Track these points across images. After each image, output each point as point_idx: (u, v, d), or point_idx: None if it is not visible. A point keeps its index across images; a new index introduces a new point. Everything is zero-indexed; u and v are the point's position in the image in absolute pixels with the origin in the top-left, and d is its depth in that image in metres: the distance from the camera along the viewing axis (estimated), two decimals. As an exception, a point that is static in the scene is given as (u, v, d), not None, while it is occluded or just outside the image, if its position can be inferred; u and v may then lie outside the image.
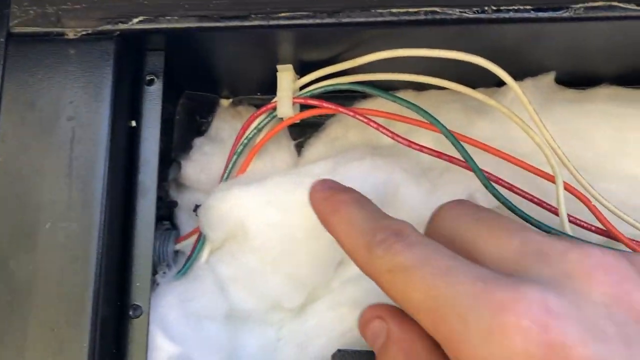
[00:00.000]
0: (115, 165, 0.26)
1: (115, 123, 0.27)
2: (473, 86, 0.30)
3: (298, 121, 0.31)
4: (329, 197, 0.22)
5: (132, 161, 0.28)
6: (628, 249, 0.27)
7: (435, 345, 0.18)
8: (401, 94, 0.33)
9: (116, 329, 0.26)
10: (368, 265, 0.19)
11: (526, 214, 0.27)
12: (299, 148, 0.35)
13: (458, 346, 0.16)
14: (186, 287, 0.29)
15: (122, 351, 0.26)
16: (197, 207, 0.33)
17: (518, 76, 0.31)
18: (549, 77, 0.32)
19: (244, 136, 0.32)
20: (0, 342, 0.24)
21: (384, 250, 0.19)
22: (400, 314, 0.20)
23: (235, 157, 0.32)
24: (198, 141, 0.34)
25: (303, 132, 0.36)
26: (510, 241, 0.18)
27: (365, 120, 0.30)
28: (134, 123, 0.28)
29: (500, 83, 0.32)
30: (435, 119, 0.29)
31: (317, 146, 0.34)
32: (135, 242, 0.27)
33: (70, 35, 0.27)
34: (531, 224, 0.27)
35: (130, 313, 0.27)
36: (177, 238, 0.32)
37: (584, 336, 0.14)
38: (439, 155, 0.29)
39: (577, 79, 0.33)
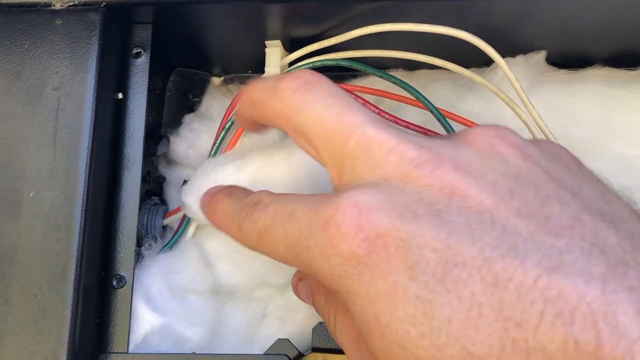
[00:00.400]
0: (100, 136, 0.26)
1: (101, 94, 0.27)
2: (465, 66, 0.30)
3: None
4: (209, 202, 0.24)
5: (118, 133, 0.28)
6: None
7: None
8: (392, 72, 0.33)
9: (99, 298, 0.27)
10: (246, 242, 0.21)
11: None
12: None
13: (313, 273, 0.18)
14: (171, 260, 0.29)
15: (105, 320, 0.26)
16: (185, 182, 0.33)
17: (509, 55, 0.31)
18: (540, 56, 0.32)
19: (233, 113, 0.32)
20: (-17, 308, 0.24)
21: (248, 223, 0.20)
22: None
23: (223, 133, 0.32)
24: (187, 118, 0.34)
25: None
26: (347, 142, 0.18)
27: (353, 96, 0.30)
28: (120, 95, 0.28)
29: (492, 63, 0.32)
30: (421, 95, 0.29)
31: None
32: (120, 213, 0.28)
33: (57, 5, 0.27)
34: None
35: (114, 283, 0.27)
36: (165, 213, 0.32)
37: (395, 221, 0.16)
38: (425, 132, 0.29)
39: (569, 60, 0.33)
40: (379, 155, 0.17)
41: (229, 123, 0.32)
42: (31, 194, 0.25)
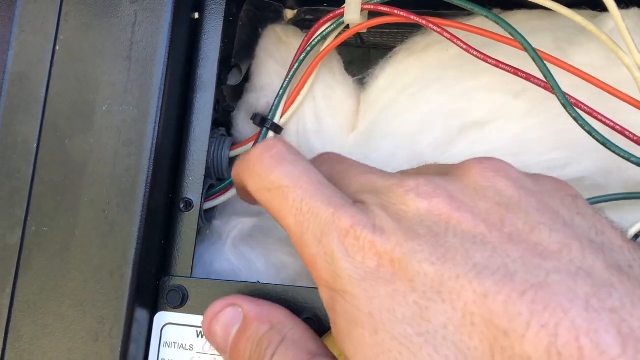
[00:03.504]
0: (175, 54, 0.25)
1: (178, 11, 0.26)
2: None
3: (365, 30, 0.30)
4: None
5: (193, 54, 0.27)
6: None
7: (291, 318, 0.21)
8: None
9: (166, 220, 0.26)
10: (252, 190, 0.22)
11: (603, 137, 0.25)
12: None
13: (314, 267, 0.19)
14: None
15: (170, 243, 0.26)
16: (254, 115, 0.32)
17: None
18: None
19: (308, 43, 0.30)
20: (51, 219, 0.24)
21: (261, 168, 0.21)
22: (252, 298, 0.22)
23: (297, 64, 0.30)
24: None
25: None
26: (357, 179, 0.21)
27: (439, 30, 0.28)
28: (196, 15, 0.27)
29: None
30: (518, 32, 0.26)
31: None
32: (190, 135, 0.27)
33: None
34: (605, 145, 0.25)
35: (181, 206, 0.26)
36: (232, 145, 0.31)
37: (400, 239, 0.18)
38: (516, 72, 0.27)
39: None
40: (384, 187, 0.20)
41: (304, 54, 0.30)
42: (104, 108, 0.25)
